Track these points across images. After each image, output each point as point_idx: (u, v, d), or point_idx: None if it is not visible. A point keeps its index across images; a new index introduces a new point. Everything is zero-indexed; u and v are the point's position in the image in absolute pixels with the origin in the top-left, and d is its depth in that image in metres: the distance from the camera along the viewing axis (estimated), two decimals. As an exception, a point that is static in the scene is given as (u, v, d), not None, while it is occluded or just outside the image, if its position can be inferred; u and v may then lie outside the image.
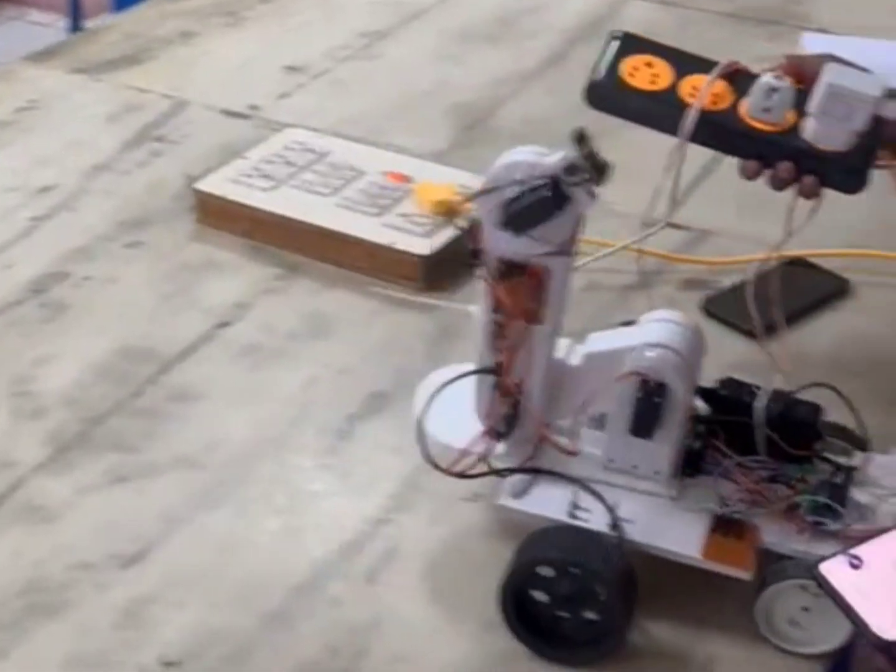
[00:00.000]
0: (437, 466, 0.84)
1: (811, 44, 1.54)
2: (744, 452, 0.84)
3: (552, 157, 0.78)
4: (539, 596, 0.80)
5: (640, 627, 0.81)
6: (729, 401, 0.85)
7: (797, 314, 1.09)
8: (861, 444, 0.86)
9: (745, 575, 0.80)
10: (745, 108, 0.85)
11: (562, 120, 1.40)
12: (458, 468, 0.83)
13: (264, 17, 1.64)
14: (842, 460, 0.84)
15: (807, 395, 0.87)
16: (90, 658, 0.80)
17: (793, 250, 1.09)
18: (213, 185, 1.23)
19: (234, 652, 0.81)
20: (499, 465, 0.85)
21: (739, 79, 0.87)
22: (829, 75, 0.83)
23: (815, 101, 0.83)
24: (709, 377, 0.88)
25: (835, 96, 0.82)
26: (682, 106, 0.85)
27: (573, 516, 0.82)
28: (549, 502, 0.84)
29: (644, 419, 0.81)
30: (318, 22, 1.64)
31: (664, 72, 0.87)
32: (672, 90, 0.85)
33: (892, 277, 1.15)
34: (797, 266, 1.12)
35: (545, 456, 0.85)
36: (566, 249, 0.80)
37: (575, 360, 0.85)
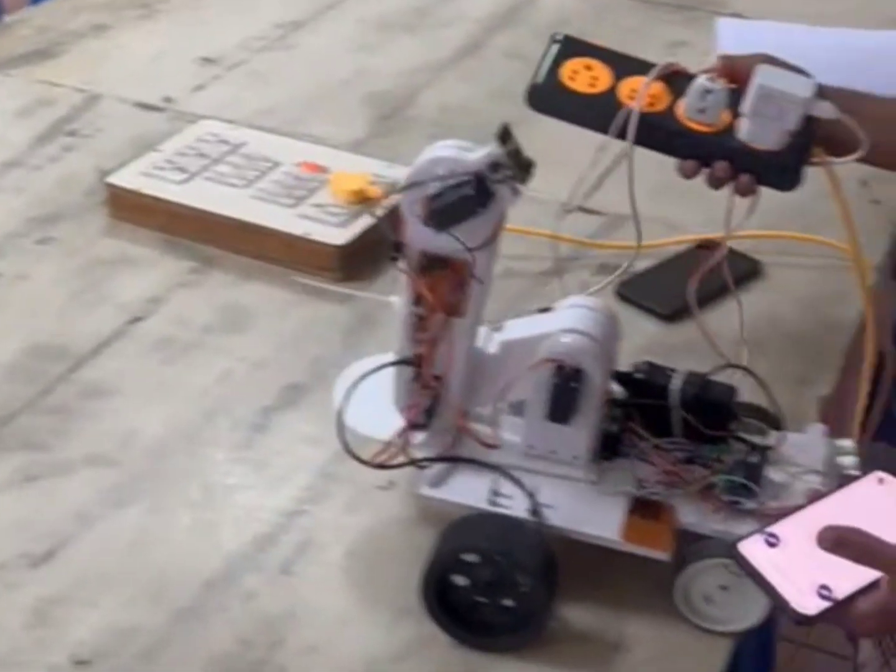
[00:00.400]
0: (357, 458, 0.83)
1: (726, 29, 1.55)
2: (660, 435, 0.84)
3: (476, 153, 0.77)
4: (460, 582, 0.80)
5: (560, 611, 0.82)
6: (645, 384, 0.86)
7: (710, 296, 1.09)
8: (775, 424, 0.87)
9: (663, 556, 0.80)
10: (682, 109, 0.87)
11: (478, 108, 1.42)
12: (379, 459, 0.83)
13: (178, 9, 1.63)
14: (756, 440, 0.85)
15: (721, 377, 0.88)
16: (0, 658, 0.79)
17: (706, 233, 1.10)
18: (126, 178, 1.22)
19: (147, 649, 0.80)
20: (419, 454, 0.85)
21: (676, 80, 0.88)
22: (760, 77, 0.84)
23: (747, 102, 0.85)
24: (625, 361, 0.88)
25: (766, 97, 0.83)
26: (621, 108, 0.86)
27: (494, 503, 0.82)
28: (469, 490, 0.83)
29: (561, 405, 0.82)
30: (234, 13, 1.63)
31: (603, 74, 0.88)
32: (611, 93, 0.87)
33: (804, 258, 1.16)
34: (710, 249, 1.13)
35: (465, 444, 0.85)
36: (489, 245, 0.80)
37: (492, 348, 0.85)
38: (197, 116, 1.35)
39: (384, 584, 0.84)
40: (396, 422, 0.83)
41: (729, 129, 0.86)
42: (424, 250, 0.79)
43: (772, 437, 0.84)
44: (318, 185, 1.21)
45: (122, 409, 0.99)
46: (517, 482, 0.82)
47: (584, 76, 0.87)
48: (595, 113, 0.87)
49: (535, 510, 0.81)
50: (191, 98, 1.43)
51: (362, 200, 1.17)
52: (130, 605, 0.83)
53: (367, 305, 1.10)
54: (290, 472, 0.94)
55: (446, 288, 0.80)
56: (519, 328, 0.84)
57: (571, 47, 0.91)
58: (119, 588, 0.84)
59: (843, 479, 0.79)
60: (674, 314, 1.09)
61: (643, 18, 1.63)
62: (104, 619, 0.82)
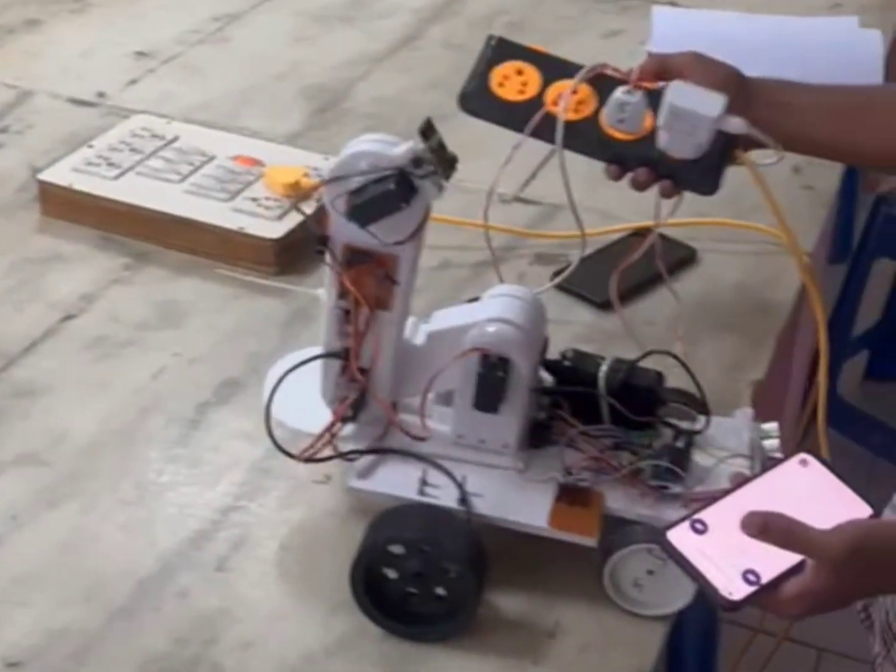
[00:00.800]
0: (285, 452, 0.83)
1: (661, 18, 1.56)
2: (590, 422, 0.85)
3: (399, 147, 0.77)
4: (390, 573, 0.80)
5: (495, 599, 0.82)
6: (572, 371, 0.86)
7: (645, 283, 1.10)
8: (703, 408, 0.88)
9: (590, 541, 0.81)
10: (604, 117, 0.87)
11: (415, 100, 1.41)
12: (307, 453, 0.83)
13: (111, 3, 1.60)
14: (684, 425, 0.85)
15: (649, 363, 0.89)
16: (-71, 664, 0.78)
17: (640, 222, 1.10)
18: (58, 175, 1.20)
19: (80, 649, 0.79)
20: (349, 447, 0.85)
21: (604, 83, 0.89)
22: (670, 96, 0.85)
23: (661, 117, 0.86)
24: (560, 349, 0.89)
25: (676, 116, 0.85)
26: (547, 116, 0.88)
27: (423, 493, 0.82)
28: (398, 481, 0.84)
29: (487, 394, 0.82)
30: (168, 6, 1.61)
31: (533, 79, 0.89)
32: (538, 99, 0.88)
33: (738, 245, 1.17)
34: (645, 237, 1.13)
35: (395, 435, 0.85)
36: (413, 239, 0.80)
37: (419, 339, 0.85)
38: (131, 111, 1.34)
39: (320, 578, 0.83)
40: (326, 415, 0.83)
41: (650, 137, 0.87)
42: (349, 244, 0.79)
43: (699, 422, 0.85)
44: (252, 178, 1.20)
45: (54, 408, 0.98)
46: (446, 472, 0.83)
47: (514, 81, 0.88)
48: (522, 119, 0.89)
49: (464, 499, 0.81)
50: (124, 93, 1.41)
51: (302, 194, 1.16)
52: (63, 605, 0.82)
53: (303, 299, 1.09)
54: (225, 469, 0.93)
55: (372, 281, 0.80)
56: (445, 318, 0.84)
57: (504, 50, 0.92)
58: (51, 588, 0.83)
59: (767, 462, 0.80)
60: (609, 302, 1.09)
61: (580, 8, 1.63)
62: (36, 620, 0.81)
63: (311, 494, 0.91)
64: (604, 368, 0.85)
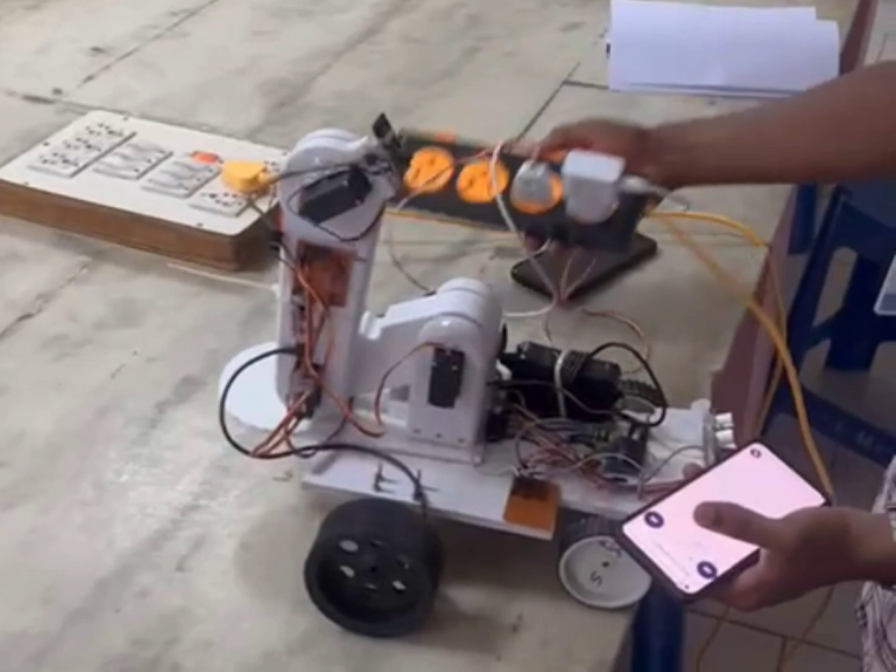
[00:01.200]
0: (239, 448, 0.83)
1: (621, 10, 1.56)
2: (546, 415, 0.85)
3: (353, 144, 0.77)
4: (347, 571, 0.79)
5: (450, 593, 0.82)
6: (529, 365, 0.86)
7: (605, 276, 1.10)
8: (659, 401, 0.88)
9: (545, 535, 0.81)
10: (514, 192, 0.89)
11: (374, 94, 1.41)
12: (263, 449, 0.82)
13: (67, -1, 1.60)
14: (639, 417, 0.85)
15: (606, 355, 0.88)
16: None
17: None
18: (13, 173, 1.19)
19: (38, 652, 0.78)
20: (305, 443, 0.84)
21: (512, 160, 0.92)
22: (567, 166, 0.88)
23: (564, 188, 0.89)
24: (518, 342, 0.88)
25: (577, 184, 0.88)
26: (462, 201, 0.92)
27: (378, 488, 0.82)
28: (353, 476, 0.83)
29: (442, 388, 0.81)
30: (125, 1, 1.60)
31: (445, 165, 0.92)
32: (452, 186, 0.91)
33: (697, 237, 1.17)
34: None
35: (351, 431, 0.85)
36: (368, 235, 0.79)
37: (374, 334, 0.85)
38: (88, 108, 1.33)
39: (281, 576, 0.83)
40: (282, 412, 0.83)
41: (561, 205, 0.90)
42: (303, 240, 0.79)
43: (655, 415, 0.85)
44: (211, 174, 1.19)
45: (11, 408, 0.98)
46: (401, 467, 0.82)
47: (427, 171, 0.90)
48: (441, 205, 0.94)
49: (419, 494, 0.81)
50: (81, 89, 1.40)
51: (256, 189, 1.16)
52: (21, 607, 0.81)
53: (262, 296, 1.08)
54: (185, 468, 0.93)
55: (326, 277, 0.80)
56: (400, 313, 0.84)
57: (414, 144, 0.95)
58: (9, 591, 0.82)
59: (721, 454, 0.81)
60: (569, 295, 1.09)
61: (539, 1, 1.63)
62: (-6, 624, 0.80)
63: (272, 492, 0.90)
64: (559, 362, 0.85)
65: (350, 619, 0.80)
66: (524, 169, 0.87)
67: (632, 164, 0.90)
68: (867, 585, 0.94)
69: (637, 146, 0.94)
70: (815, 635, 1.00)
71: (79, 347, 1.04)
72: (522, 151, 0.92)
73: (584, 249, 0.95)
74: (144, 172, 1.19)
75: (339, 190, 0.75)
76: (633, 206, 0.90)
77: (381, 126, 0.76)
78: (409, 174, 0.89)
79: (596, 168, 0.88)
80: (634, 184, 0.88)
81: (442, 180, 0.91)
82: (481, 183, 0.91)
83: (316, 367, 0.82)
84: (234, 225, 1.13)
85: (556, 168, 0.90)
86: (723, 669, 1.28)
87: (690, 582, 0.69)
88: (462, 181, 0.92)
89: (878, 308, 1.07)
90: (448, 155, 0.93)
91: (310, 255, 0.79)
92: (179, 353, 1.04)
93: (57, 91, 1.39)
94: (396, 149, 0.76)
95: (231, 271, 1.12)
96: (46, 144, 1.23)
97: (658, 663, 1.30)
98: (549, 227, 0.90)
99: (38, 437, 0.95)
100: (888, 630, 0.87)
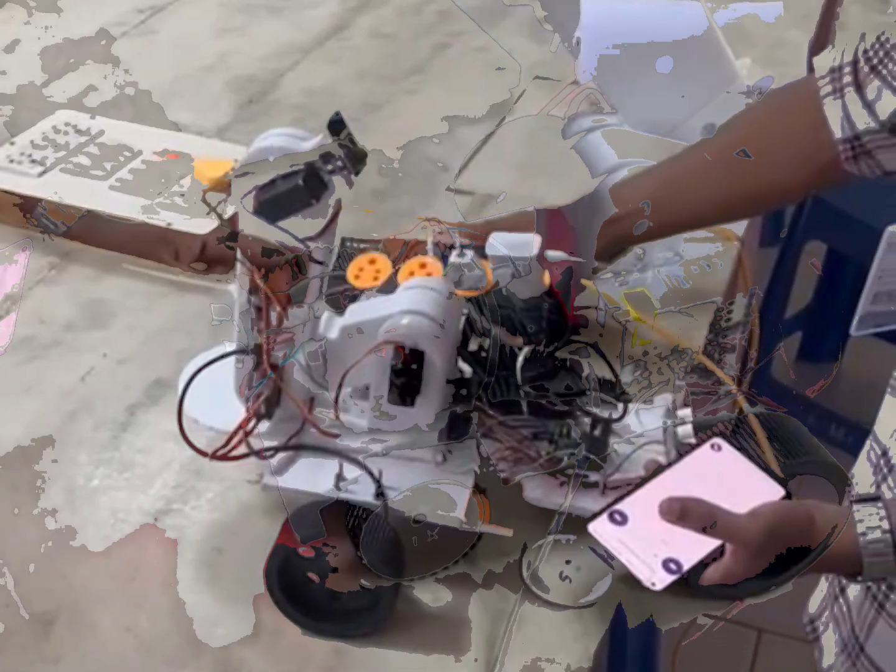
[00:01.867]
0: (197, 450, 0.81)
1: (591, 6, 1.55)
2: (508, 412, 0.84)
3: (308, 142, 0.76)
4: (311, 574, 0.79)
5: (412, 594, 0.81)
6: (490, 362, 0.85)
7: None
8: (621, 396, 0.87)
9: (506, 532, 0.81)
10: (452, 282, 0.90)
11: (344, 90, 1.40)
12: (222, 451, 0.81)
13: (32, -5, 1.58)
14: (602, 413, 0.85)
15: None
16: None
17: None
18: (-22, 173, 1.18)
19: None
20: (265, 444, 0.83)
21: (445, 249, 0.90)
22: (489, 248, 0.88)
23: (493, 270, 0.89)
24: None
25: (503, 263, 0.87)
26: None
27: (339, 489, 0.81)
28: (314, 477, 0.82)
29: (402, 387, 0.80)
30: (91, -2, 1.59)
31: (384, 264, 0.90)
32: (392, 281, 0.88)
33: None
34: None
35: (312, 431, 0.84)
36: (325, 234, 0.78)
37: (333, 333, 0.84)
38: (55, 106, 1.31)
39: (255, 579, 0.82)
40: (242, 413, 0.82)
41: (496, 286, 0.89)
42: (259, 240, 0.78)
43: (617, 410, 0.85)
44: (179, 173, 1.18)
45: (-22, 413, 0.97)
46: (362, 466, 0.82)
47: (369, 272, 0.89)
48: None
49: (380, 493, 0.80)
50: (47, 88, 1.39)
51: (226, 188, 1.15)
52: (-9, 616, 0.81)
53: (231, 296, 1.07)
54: (157, 471, 0.92)
55: (283, 277, 0.79)
56: (359, 312, 0.83)
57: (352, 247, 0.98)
58: (-21, 600, 0.82)
59: (682, 448, 0.81)
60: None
61: (507, -5, 1.63)
62: (-36, 633, 0.79)
63: (245, 495, 0.89)
64: (521, 359, 0.84)
65: (316, 623, 0.79)
66: (453, 257, 0.87)
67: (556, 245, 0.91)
68: (818, 600, 0.95)
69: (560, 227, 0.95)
70: (788, 627, 1.00)
71: (47, 349, 1.03)
72: (448, 240, 0.92)
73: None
74: (112, 172, 1.18)
75: (294, 189, 0.74)
76: (569, 278, 0.92)
77: (336, 124, 0.75)
78: (351, 275, 0.89)
79: (513, 245, 0.88)
80: (555, 255, 0.89)
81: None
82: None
83: (274, 367, 0.81)
84: (203, 225, 1.12)
85: (483, 253, 0.90)
86: (699, 662, 1.29)
87: (657, 579, 0.69)
88: (401, 279, 0.92)
89: (853, 330, 1.07)
90: (384, 254, 0.93)
91: (266, 254, 0.78)
92: (149, 355, 1.03)
93: (23, 89, 1.38)
94: (352, 147, 0.75)
95: (200, 271, 1.11)
96: (13, 144, 1.21)
97: (635, 659, 1.30)
98: (492, 306, 0.89)
99: (6, 442, 0.94)
100: (866, 645, 0.87)
